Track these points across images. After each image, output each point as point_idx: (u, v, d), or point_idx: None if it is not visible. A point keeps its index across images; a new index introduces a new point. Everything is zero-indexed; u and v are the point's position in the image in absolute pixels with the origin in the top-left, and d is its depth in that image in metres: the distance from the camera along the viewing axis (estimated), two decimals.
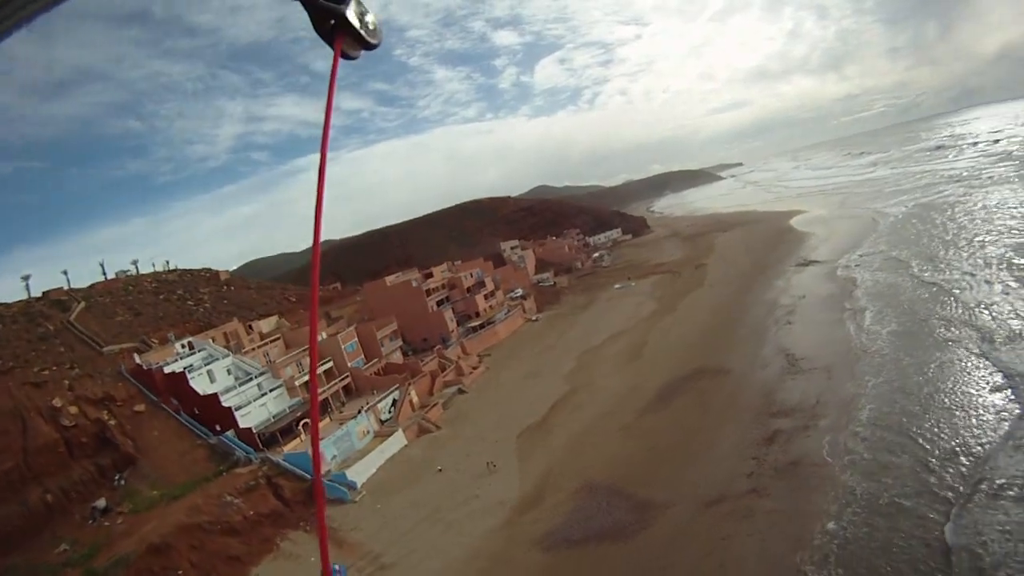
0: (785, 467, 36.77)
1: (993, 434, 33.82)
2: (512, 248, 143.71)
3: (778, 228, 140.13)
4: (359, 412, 58.41)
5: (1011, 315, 48.90)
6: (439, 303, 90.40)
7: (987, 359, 42.31)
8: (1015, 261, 61.84)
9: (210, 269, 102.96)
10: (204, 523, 39.11)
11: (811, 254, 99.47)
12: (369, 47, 2.19)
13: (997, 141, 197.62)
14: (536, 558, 36.03)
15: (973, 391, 39.23)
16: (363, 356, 71.09)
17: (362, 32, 2.11)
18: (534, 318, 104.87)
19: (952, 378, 41.56)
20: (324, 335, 69.48)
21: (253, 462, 48.72)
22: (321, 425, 57.71)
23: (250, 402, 54.49)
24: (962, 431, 34.93)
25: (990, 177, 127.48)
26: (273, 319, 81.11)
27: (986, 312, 50.99)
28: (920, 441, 34.85)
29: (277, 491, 46.27)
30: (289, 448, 52.07)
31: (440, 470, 51.38)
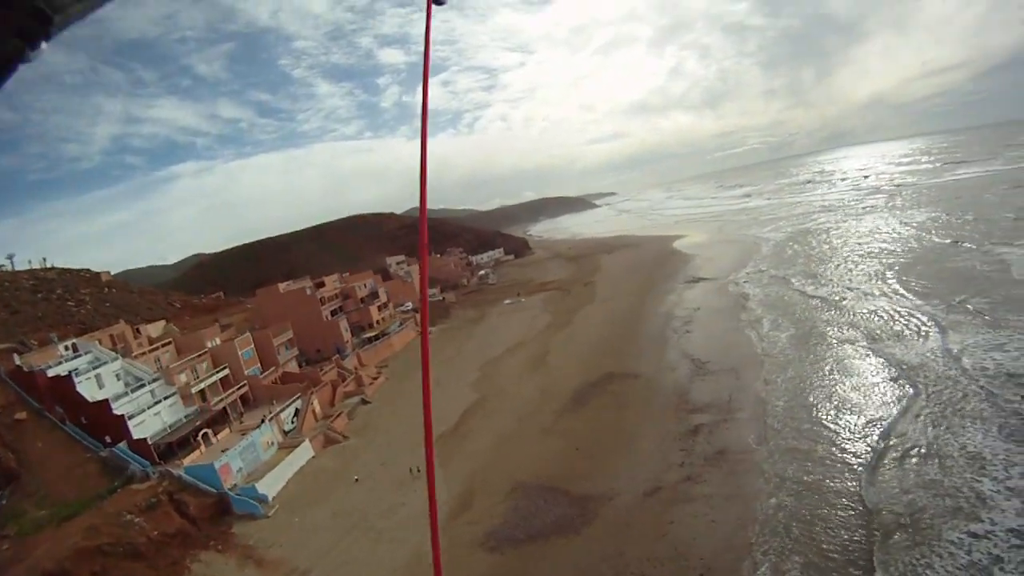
0: (713, 456, 39.10)
1: (893, 411, 39.17)
2: (398, 263, 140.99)
3: (662, 250, 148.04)
4: (262, 422, 54.26)
5: (892, 319, 56.34)
6: (333, 312, 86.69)
7: (878, 355, 48.53)
8: (891, 276, 71.52)
9: (90, 270, 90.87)
10: (104, 546, 34.09)
11: (699, 273, 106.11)
12: None
13: (866, 177, 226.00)
14: (483, 558, 35.29)
15: (871, 380, 45.11)
16: (259, 364, 66.19)
17: None
18: None
19: (850, 371, 47.51)
20: (218, 341, 63.86)
21: (151, 477, 43.36)
22: (221, 436, 52.85)
23: (143, 410, 48.38)
24: (866, 412, 40.16)
25: (862, 207, 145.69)
26: (161, 324, 73.01)
27: (871, 318, 58.52)
28: (832, 425, 39.49)
29: (181, 508, 41.67)
30: (189, 460, 47.12)
31: (357, 480, 49.03)
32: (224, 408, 56.51)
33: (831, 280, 77.17)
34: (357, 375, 73.92)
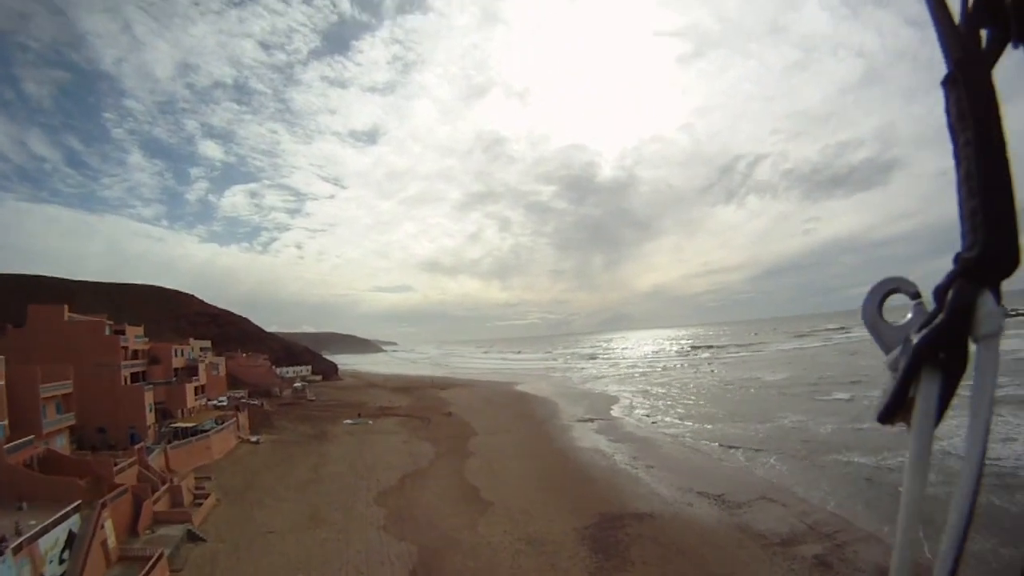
0: None
1: None
2: (203, 350, 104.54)
3: (508, 393, 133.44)
4: (3, 546, 22.42)
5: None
6: (135, 377, 52.85)
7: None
8: (790, 410, 77.44)
9: None
10: None
11: (581, 414, 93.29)
12: None
13: (655, 352, 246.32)
14: None
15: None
16: (6, 423, 32.09)
17: None
18: (254, 439, 71.43)
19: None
20: None
21: None
22: None
23: None
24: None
25: (706, 369, 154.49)
26: None
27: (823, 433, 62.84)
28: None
29: None
30: None
31: None
32: None
33: (734, 417, 77.51)
34: (173, 486, 41.83)
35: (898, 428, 1.16)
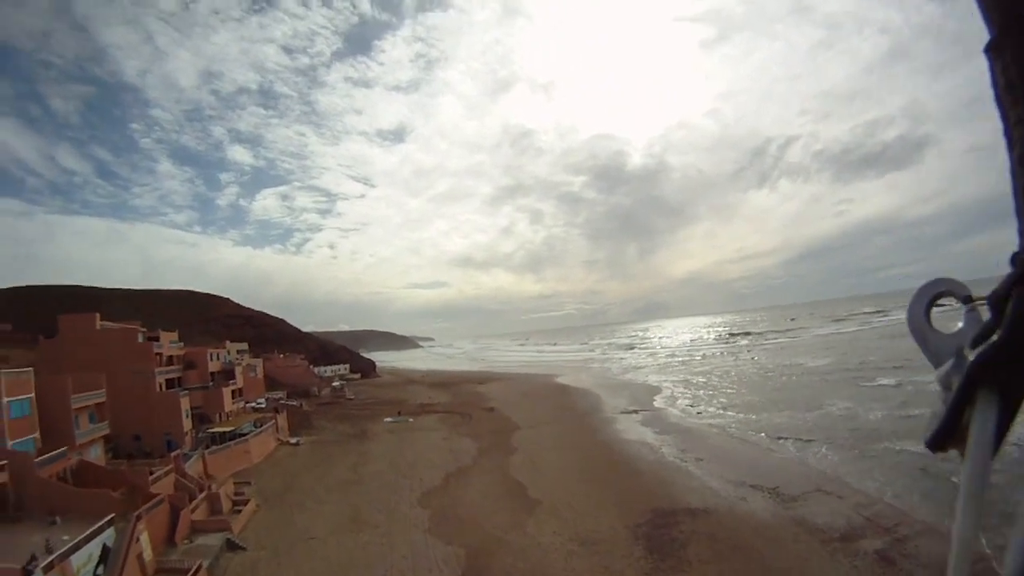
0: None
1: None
2: (239, 352, 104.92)
3: (548, 385, 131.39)
4: (33, 565, 21.31)
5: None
6: (170, 383, 52.29)
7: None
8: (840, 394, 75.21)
9: None
10: None
11: (623, 406, 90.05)
12: None
13: (692, 340, 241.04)
14: None
15: None
16: (38, 436, 31.41)
17: None
18: (293, 441, 70.82)
19: None
20: None
21: None
22: None
23: None
24: None
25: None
26: None
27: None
28: None
29: None
30: None
31: None
32: None
33: (779, 406, 74.33)
34: (211, 493, 40.88)
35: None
